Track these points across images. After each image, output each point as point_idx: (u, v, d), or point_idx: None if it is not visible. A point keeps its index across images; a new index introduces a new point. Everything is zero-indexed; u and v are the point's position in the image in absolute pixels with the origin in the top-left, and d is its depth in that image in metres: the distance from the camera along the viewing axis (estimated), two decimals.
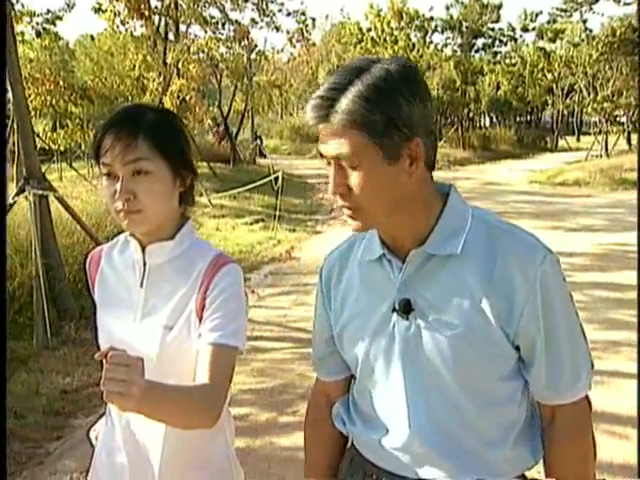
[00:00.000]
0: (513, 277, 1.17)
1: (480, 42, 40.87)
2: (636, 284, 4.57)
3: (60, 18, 14.36)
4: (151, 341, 1.43)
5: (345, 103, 1.11)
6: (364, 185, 1.14)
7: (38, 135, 10.85)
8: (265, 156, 22.71)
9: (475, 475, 1.24)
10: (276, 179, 12.08)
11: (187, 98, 15.44)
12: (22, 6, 13.00)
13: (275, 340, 5.48)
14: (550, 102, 34.70)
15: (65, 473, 3.40)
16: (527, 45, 40.33)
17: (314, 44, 24.08)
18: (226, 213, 11.95)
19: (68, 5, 14.43)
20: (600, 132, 25.57)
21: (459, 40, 38.32)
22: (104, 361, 1.15)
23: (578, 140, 39.02)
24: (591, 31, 31.23)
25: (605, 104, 24.04)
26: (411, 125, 1.12)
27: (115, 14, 14.35)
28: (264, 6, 17.92)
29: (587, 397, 1.27)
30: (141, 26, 15.11)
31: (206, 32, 17.28)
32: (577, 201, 14.02)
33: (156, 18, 15.99)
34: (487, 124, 40.60)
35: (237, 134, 22.57)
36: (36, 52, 16.65)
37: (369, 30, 30.45)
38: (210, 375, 1.36)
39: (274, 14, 18.13)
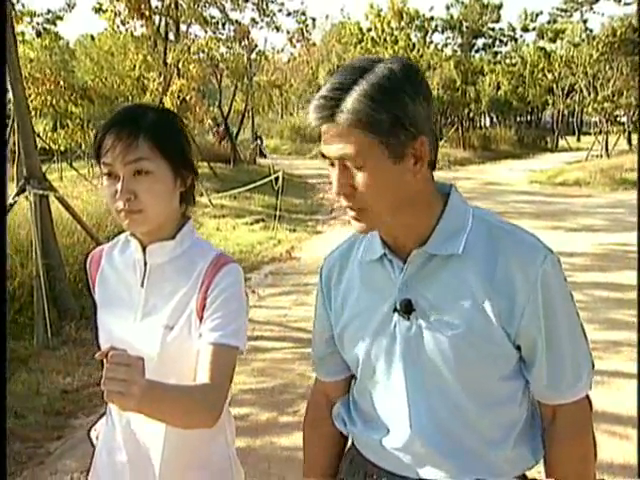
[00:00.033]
0: (514, 277, 1.16)
1: (480, 42, 40.94)
2: (636, 284, 4.57)
3: (60, 18, 14.40)
4: (152, 341, 1.43)
5: (350, 102, 1.09)
6: (370, 185, 1.13)
7: (38, 135, 10.85)
8: (265, 156, 22.72)
9: (476, 475, 1.24)
10: (276, 179, 12.08)
11: (187, 98, 15.45)
12: (22, 6, 13.06)
13: (275, 340, 5.49)
14: (550, 102, 34.69)
15: (66, 473, 3.40)
16: (527, 45, 40.35)
17: (314, 44, 24.09)
18: (226, 213, 11.95)
19: (68, 5, 14.47)
20: (600, 132, 25.59)
21: (459, 40, 38.36)
22: (105, 361, 1.15)
23: (578, 140, 39.02)
24: (591, 31, 31.27)
25: (605, 104, 24.04)
26: (417, 124, 1.12)
27: (115, 14, 14.36)
28: (264, 6, 17.93)
29: (588, 397, 1.27)
30: (141, 26, 15.12)
31: (206, 32, 17.31)
32: (577, 201, 14.02)
33: (156, 18, 16.01)
34: (487, 124, 40.60)
35: (237, 134, 22.58)
36: (36, 52, 16.68)
37: (369, 30, 30.45)
38: (211, 375, 1.36)
39: (274, 14, 18.15)
